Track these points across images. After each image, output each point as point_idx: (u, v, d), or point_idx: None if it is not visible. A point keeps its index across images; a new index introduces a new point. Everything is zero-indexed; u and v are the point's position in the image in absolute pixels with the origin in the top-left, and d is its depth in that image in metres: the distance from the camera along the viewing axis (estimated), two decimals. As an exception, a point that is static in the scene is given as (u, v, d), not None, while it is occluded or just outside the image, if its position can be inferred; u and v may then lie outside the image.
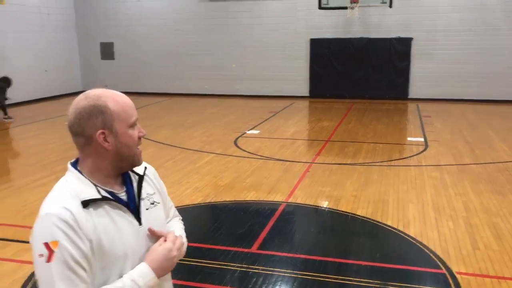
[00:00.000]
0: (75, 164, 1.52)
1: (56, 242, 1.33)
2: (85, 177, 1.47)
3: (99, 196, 1.45)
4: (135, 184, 1.60)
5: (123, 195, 1.54)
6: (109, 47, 17.93)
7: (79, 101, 1.48)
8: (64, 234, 1.33)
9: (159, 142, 9.51)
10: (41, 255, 1.33)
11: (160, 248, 1.53)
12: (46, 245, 1.33)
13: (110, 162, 1.50)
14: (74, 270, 1.34)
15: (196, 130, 10.81)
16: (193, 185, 6.69)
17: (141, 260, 1.51)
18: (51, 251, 1.32)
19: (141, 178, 1.63)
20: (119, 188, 1.55)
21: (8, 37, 14.70)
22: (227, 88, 16.91)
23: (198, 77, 17.17)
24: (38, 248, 1.35)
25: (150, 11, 17.11)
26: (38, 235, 1.36)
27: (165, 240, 1.56)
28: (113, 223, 1.45)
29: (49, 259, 1.32)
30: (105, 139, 1.46)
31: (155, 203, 1.63)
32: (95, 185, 1.47)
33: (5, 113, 12.36)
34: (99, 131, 1.45)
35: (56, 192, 1.45)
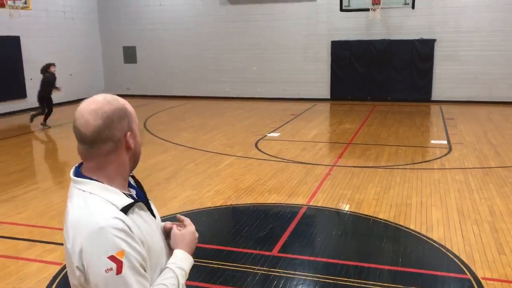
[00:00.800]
0: (82, 175, 1.48)
1: (122, 252, 1.33)
2: (108, 185, 1.46)
3: (131, 201, 1.46)
4: (133, 184, 1.64)
5: (134, 195, 1.57)
6: (131, 50, 18.18)
7: (102, 106, 1.45)
8: (126, 243, 1.34)
9: (181, 145, 9.59)
10: (109, 269, 1.32)
11: (187, 233, 1.63)
12: (113, 258, 1.32)
13: (130, 163, 1.53)
14: (142, 273, 1.38)
15: (217, 133, 10.86)
16: (214, 188, 6.72)
17: (165, 250, 1.59)
18: (119, 262, 1.32)
19: (134, 177, 1.66)
20: (129, 189, 1.58)
21: (33, 41, 15.04)
22: (248, 91, 16.95)
23: (219, 80, 17.27)
24: (102, 264, 1.32)
25: (172, 15, 17.28)
26: (99, 252, 1.33)
27: (179, 226, 1.66)
28: (146, 223, 1.49)
29: (119, 271, 1.32)
30: (130, 140, 1.50)
31: (149, 199, 1.69)
32: (121, 191, 1.48)
33: (44, 119, 12.05)
34: (128, 133, 1.48)
35: (93, 206, 1.40)
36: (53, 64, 12.07)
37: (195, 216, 5.63)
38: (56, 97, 15.55)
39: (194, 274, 4.12)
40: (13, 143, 10.56)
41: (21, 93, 14.70)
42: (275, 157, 8.48)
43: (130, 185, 1.60)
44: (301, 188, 6.65)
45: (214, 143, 9.75)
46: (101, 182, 1.45)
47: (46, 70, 11.92)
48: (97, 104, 1.45)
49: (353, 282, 4.06)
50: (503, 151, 8.58)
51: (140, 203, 1.51)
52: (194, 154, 8.83)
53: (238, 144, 9.62)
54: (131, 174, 1.62)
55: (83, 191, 1.44)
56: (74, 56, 16.82)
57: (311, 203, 6.05)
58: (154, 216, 1.59)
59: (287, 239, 4.95)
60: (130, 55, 18.21)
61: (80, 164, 1.51)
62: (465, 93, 14.86)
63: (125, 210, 1.41)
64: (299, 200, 6.18)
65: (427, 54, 14.99)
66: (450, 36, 14.71)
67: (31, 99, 14.74)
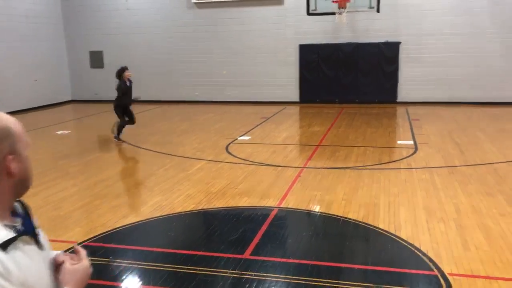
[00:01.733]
0: None
1: None
2: None
3: (13, 235, 1.27)
4: (20, 211, 1.42)
5: (19, 226, 1.35)
6: (98, 55, 17.90)
7: None
8: None
9: (150, 150, 9.49)
10: None
11: (81, 268, 1.45)
12: None
13: (13, 190, 1.34)
14: None
15: (187, 137, 10.80)
16: (185, 193, 6.68)
17: (52, 285, 1.41)
18: None
19: (22, 203, 1.45)
20: (13, 219, 1.36)
21: (-4, 47, 14.64)
22: (218, 95, 16.93)
23: (189, 84, 17.18)
24: None
25: (139, 19, 17.10)
26: None
27: (72, 258, 1.48)
28: (30, 259, 1.30)
29: None
30: (12, 165, 1.31)
31: (39, 226, 1.47)
32: (0, 223, 1.28)
33: (118, 131, 10.26)
34: (10, 157, 1.30)
35: None
36: (127, 68, 10.41)
37: (166, 221, 5.60)
38: (19, 103, 15.16)
39: (165, 280, 4.07)
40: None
41: (-17, 100, 14.27)
42: (246, 160, 8.50)
43: (16, 214, 1.38)
44: (272, 190, 6.69)
45: (184, 147, 9.70)
46: None
47: (120, 75, 10.28)
48: None
49: (324, 282, 4.10)
50: (466, 150, 8.84)
51: (24, 237, 1.31)
52: (164, 159, 8.76)
53: (208, 148, 9.59)
54: (19, 199, 1.41)
55: None
56: (38, 62, 16.43)
57: (282, 205, 6.09)
58: (42, 248, 1.39)
59: (259, 242, 4.97)
60: (97, 59, 17.92)
61: None
62: (430, 94, 15.24)
63: (4, 246, 1.22)
64: (270, 202, 6.21)
65: (393, 57, 15.32)
66: (414, 39, 15.07)
67: (-6, 106, 14.36)
